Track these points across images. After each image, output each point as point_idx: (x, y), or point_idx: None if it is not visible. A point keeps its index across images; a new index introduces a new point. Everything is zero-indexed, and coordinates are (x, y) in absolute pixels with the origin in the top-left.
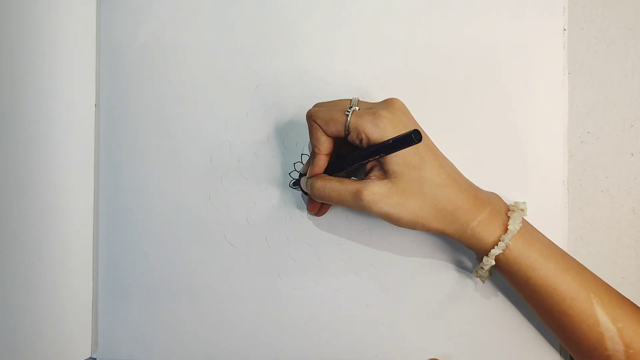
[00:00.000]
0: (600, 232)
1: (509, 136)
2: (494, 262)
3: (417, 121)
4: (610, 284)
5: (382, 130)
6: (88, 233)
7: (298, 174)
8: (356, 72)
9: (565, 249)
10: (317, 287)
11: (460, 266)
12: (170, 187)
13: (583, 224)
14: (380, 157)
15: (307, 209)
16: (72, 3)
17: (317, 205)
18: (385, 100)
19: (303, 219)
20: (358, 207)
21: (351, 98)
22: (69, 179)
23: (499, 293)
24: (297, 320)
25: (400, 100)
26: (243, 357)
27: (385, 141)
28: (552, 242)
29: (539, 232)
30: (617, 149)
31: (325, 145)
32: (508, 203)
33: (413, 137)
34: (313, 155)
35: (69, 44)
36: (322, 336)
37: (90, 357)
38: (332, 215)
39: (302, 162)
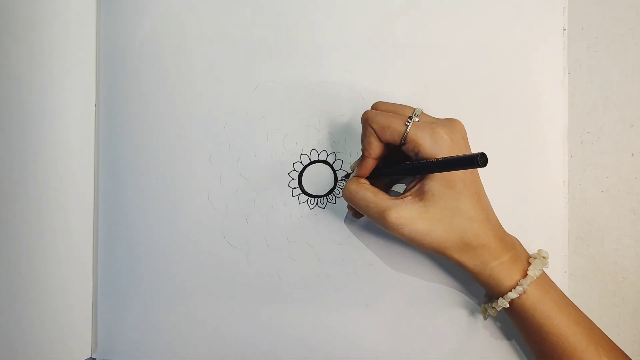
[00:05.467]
0: (600, 232)
1: (509, 136)
2: (508, 305)
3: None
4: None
5: (438, 148)
6: (88, 233)
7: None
8: (356, 72)
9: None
10: (316, 287)
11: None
12: (169, 187)
13: (583, 224)
14: (432, 172)
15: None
16: (72, 3)
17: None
18: (449, 119)
19: (302, 218)
20: (382, 225)
21: (414, 107)
22: (69, 179)
23: None
24: (296, 320)
25: (462, 124)
26: (243, 358)
27: (447, 157)
28: (565, 294)
29: (554, 282)
30: (617, 149)
31: (376, 150)
32: (530, 252)
33: (479, 160)
34: (362, 157)
35: (69, 43)
36: (322, 336)
37: (90, 357)
38: (332, 215)
39: (301, 163)
